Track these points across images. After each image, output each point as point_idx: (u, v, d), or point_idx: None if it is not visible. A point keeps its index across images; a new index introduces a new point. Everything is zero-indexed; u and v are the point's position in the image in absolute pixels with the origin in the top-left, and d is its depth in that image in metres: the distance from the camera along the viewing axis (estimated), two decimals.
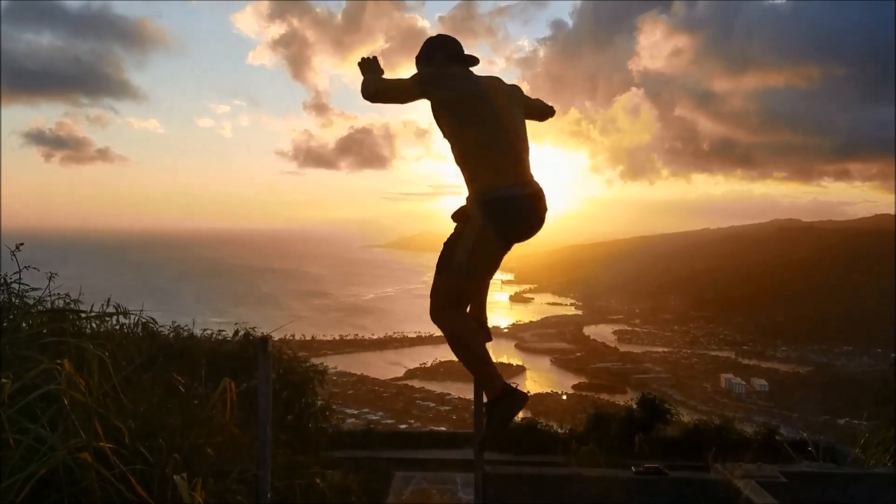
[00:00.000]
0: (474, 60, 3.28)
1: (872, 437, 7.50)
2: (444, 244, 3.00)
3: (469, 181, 3.01)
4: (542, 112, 3.46)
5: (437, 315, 2.97)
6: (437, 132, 3.18)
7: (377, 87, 3.20)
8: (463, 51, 3.29)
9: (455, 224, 3.01)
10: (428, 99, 3.06)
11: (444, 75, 3.11)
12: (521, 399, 2.88)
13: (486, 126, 2.98)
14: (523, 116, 3.21)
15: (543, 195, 3.00)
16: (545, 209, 3.00)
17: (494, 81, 3.20)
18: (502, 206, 2.88)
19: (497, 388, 2.87)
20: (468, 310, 3.10)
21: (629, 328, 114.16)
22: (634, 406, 14.24)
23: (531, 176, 3.01)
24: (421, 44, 3.29)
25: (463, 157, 3.03)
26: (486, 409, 2.94)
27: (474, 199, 2.93)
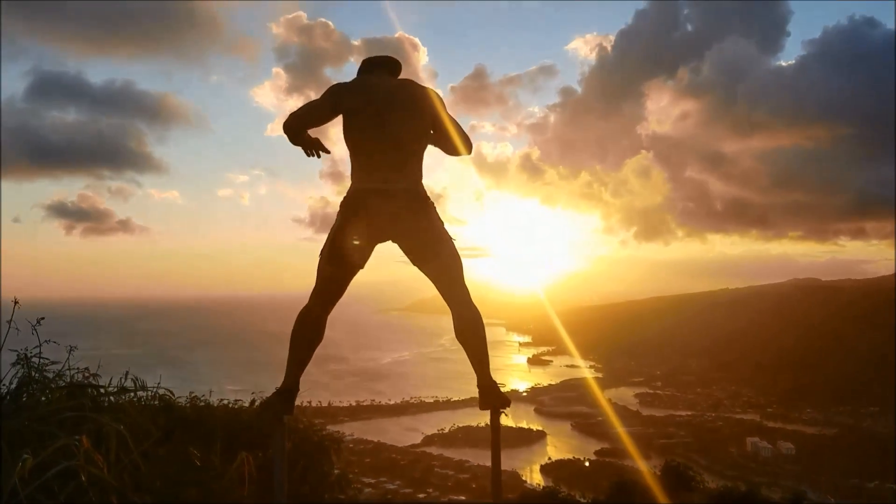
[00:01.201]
0: (391, 62, 3.36)
1: None
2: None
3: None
4: (451, 141, 3.34)
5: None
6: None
7: (293, 115, 3.16)
8: (382, 59, 3.37)
9: None
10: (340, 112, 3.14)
11: (349, 84, 3.18)
12: (286, 405, 3.14)
13: (364, 132, 3.07)
14: (418, 122, 3.17)
15: (393, 191, 3.04)
16: (385, 204, 3.04)
17: (391, 84, 3.23)
18: (344, 202, 3.10)
19: (284, 384, 3.20)
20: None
21: (650, 391, 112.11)
22: (658, 473, 13.89)
23: (391, 175, 3.06)
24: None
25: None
26: (270, 397, 3.23)
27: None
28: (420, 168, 3.21)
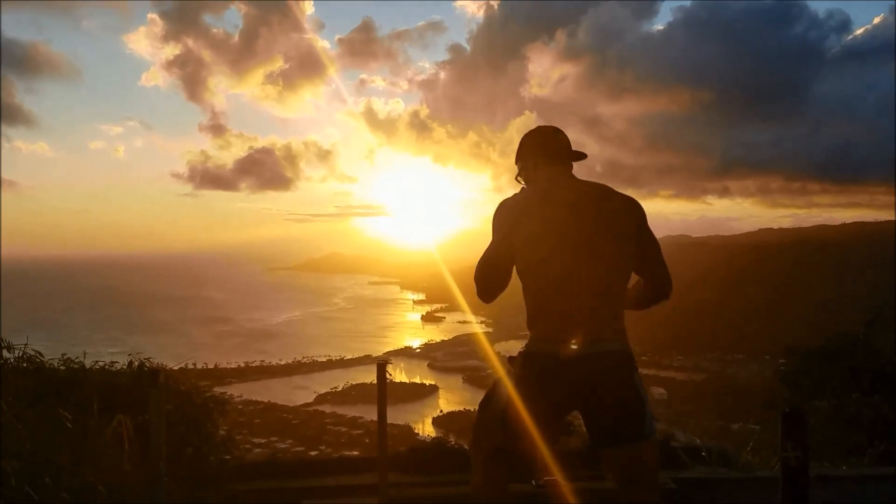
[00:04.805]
0: (578, 156, 2.79)
1: (760, 440, 8.00)
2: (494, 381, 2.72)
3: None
4: (651, 280, 2.83)
5: (470, 454, 2.74)
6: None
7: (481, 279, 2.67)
8: (555, 142, 2.77)
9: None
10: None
11: (502, 215, 2.65)
12: None
13: (537, 265, 2.52)
14: (623, 252, 2.57)
15: (592, 358, 2.48)
16: (583, 371, 2.48)
17: (587, 194, 2.62)
18: (527, 363, 2.54)
19: None
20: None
21: None
22: None
23: (591, 332, 2.48)
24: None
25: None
26: None
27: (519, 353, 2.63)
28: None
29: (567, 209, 2.53)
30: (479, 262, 2.68)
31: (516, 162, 2.85)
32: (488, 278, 2.65)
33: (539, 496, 3.78)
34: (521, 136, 2.86)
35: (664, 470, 4.68)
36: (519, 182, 2.83)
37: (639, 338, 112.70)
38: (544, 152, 2.75)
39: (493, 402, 2.64)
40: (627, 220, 2.59)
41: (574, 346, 2.43)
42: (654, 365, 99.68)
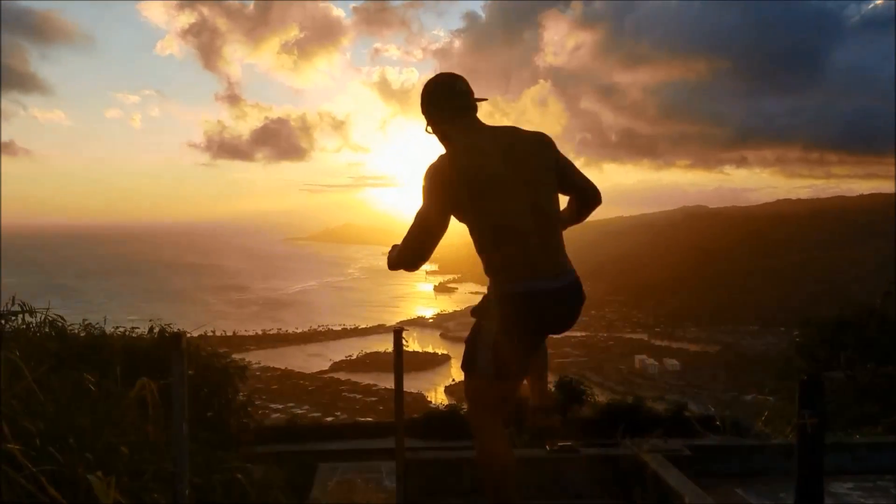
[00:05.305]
0: (474, 104, 2.84)
1: (775, 410, 8.02)
2: (466, 341, 2.81)
3: (488, 276, 2.74)
4: (583, 194, 2.92)
5: (469, 423, 2.83)
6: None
7: (403, 246, 2.78)
8: (459, 94, 2.82)
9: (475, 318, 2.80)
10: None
11: (436, 181, 2.66)
12: None
13: (496, 222, 2.63)
14: (550, 183, 2.75)
15: (569, 288, 2.68)
16: (569, 303, 2.70)
17: (505, 139, 2.73)
18: (517, 303, 2.61)
19: None
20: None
21: None
22: (552, 389, 14.68)
23: (557, 264, 2.68)
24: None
25: (476, 247, 2.73)
26: None
27: (492, 292, 2.71)
28: None
29: (500, 155, 2.65)
30: (411, 231, 2.72)
31: (424, 112, 2.89)
32: (425, 244, 2.74)
33: (552, 461, 3.83)
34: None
35: (679, 437, 4.71)
36: (429, 133, 2.89)
37: (652, 309, 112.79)
38: (458, 104, 2.80)
39: (479, 363, 2.71)
40: (547, 153, 2.76)
41: (549, 280, 2.62)
42: (668, 336, 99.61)
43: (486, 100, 2.86)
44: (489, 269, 2.71)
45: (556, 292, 2.63)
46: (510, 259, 2.63)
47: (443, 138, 2.84)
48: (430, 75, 2.95)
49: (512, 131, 2.80)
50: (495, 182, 2.61)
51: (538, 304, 2.60)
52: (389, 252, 2.91)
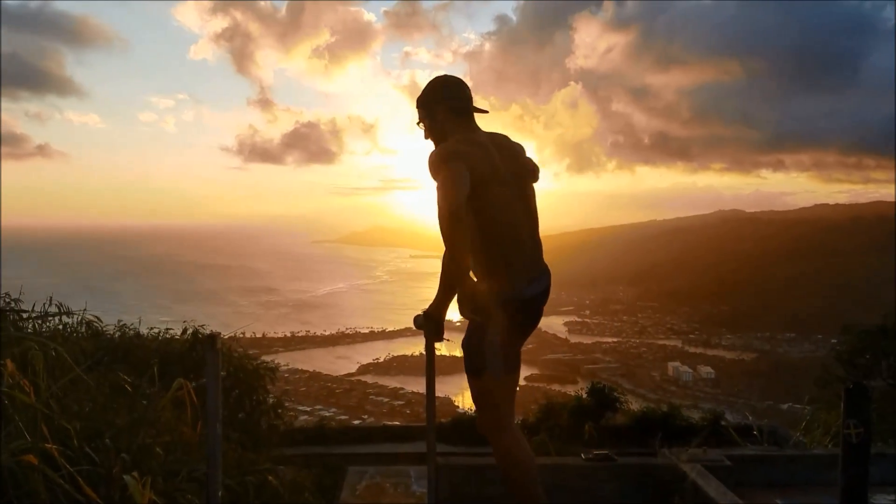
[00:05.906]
0: (480, 111, 2.89)
1: (813, 420, 7.82)
2: (465, 345, 2.84)
3: (484, 274, 2.74)
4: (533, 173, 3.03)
5: (487, 427, 2.86)
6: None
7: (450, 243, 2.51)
8: (468, 96, 2.85)
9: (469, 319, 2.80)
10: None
11: (462, 152, 2.62)
12: None
13: (500, 217, 2.68)
14: (531, 185, 2.89)
15: (548, 286, 2.90)
16: (545, 299, 2.90)
17: (498, 139, 2.85)
18: (521, 307, 2.75)
19: None
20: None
21: (579, 319, 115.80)
22: (584, 395, 14.51)
23: (542, 263, 2.89)
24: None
25: (475, 243, 2.66)
26: None
27: (494, 296, 2.70)
28: None
29: (496, 150, 2.73)
30: (449, 213, 2.45)
31: (423, 107, 2.86)
32: (461, 231, 2.50)
33: (588, 469, 3.76)
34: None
35: (718, 448, 4.60)
36: (420, 127, 2.87)
37: (687, 314, 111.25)
38: (465, 105, 2.83)
39: (489, 362, 2.77)
40: (527, 161, 2.90)
41: (541, 281, 2.83)
42: (702, 343, 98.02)
43: (487, 112, 2.91)
44: (489, 268, 2.74)
45: (545, 292, 2.87)
46: (511, 260, 2.72)
47: (441, 134, 2.82)
48: (461, 76, 2.92)
49: (503, 135, 2.92)
50: (495, 173, 2.67)
51: (536, 305, 2.83)
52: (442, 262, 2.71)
